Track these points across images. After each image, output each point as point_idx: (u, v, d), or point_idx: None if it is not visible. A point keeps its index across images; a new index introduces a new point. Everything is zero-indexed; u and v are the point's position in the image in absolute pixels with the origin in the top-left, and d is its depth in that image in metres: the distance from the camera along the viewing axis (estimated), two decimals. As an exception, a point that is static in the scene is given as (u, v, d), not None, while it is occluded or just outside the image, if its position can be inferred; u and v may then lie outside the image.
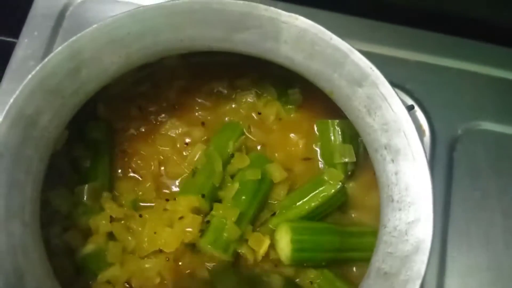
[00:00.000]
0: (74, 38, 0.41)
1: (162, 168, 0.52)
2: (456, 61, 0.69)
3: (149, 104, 0.53)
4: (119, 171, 0.51)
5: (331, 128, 0.52)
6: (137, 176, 0.51)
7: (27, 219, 0.40)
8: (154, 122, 0.53)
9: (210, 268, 0.48)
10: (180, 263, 0.48)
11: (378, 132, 0.43)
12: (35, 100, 0.40)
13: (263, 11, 0.42)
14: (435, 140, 0.66)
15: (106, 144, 0.51)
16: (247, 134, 0.53)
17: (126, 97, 0.52)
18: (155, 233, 0.47)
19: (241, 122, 0.53)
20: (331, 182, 0.50)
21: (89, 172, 0.49)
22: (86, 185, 0.48)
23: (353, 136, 0.52)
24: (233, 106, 0.54)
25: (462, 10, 0.68)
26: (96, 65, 0.42)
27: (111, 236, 0.48)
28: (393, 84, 0.67)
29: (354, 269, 0.49)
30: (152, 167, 0.51)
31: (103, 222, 0.47)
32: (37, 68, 0.40)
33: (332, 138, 0.52)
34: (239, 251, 0.48)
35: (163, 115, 0.53)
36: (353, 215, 0.52)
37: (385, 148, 0.42)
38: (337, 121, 0.52)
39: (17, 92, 0.40)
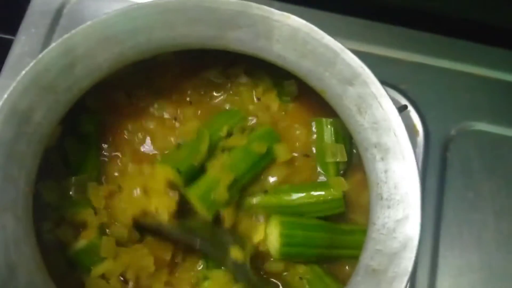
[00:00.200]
0: (67, 35, 0.42)
1: (148, 140, 0.52)
2: (450, 61, 0.69)
3: (139, 91, 0.53)
4: (105, 154, 0.51)
5: (324, 127, 0.52)
6: (118, 154, 0.51)
7: (20, 213, 0.40)
8: (143, 104, 0.53)
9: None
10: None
11: (368, 130, 0.43)
12: (28, 96, 0.41)
13: (256, 9, 0.43)
14: (428, 140, 0.67)
15: (96, 135, 0.51)
16: (250, 117, 0.53)
17: (115, 84, 0.52)
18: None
19: (242, 109, 0.54)
20: (333, 189, 0.50)
21: (79, 165, 0.49)
22: (73, 178, 0.48)
23: (346, 135, 0.52)
24: (230, 93, 0.54)
25: (456, 11, 0.69)
26: (90, 62, 0.43)
27: (103, 230, 0.48)
28: (387, 84, 0.69)
29: (347, 267, 0.50)
30: (136, 140, 0.51)
31: (90, 215, 0.47)
32: (31, 64, 0.41)
33: (325, 136, 0.52)
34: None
35: (153, 99, 0.53)
36: (345, 214, 0.52)
37: (375, 146, 0.43)
38: (331, 120, 0.52)
39: (11, 88, 0.40)
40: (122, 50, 0.43)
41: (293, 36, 0.44)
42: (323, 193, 0.49)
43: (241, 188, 0.50)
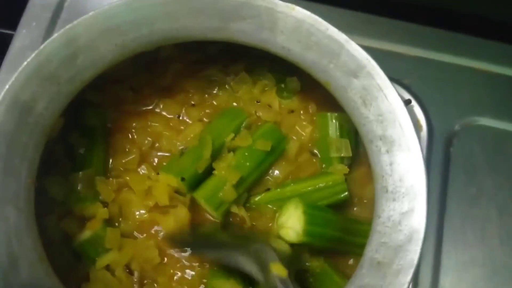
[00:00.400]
0: (70, 25, 0.41)
1: (156, 144, 0.52)
2: (454, 56, 0.69)
3: (143, 87, 0.53)
4: (112, 151, 0.51)
5: (329, 122, 0.52)
6: (127, 150, 0.51)
7: (22, 205, 0.40)
8: (148, 104, 0.53)
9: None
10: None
11: (373, 123, 0.43)
12: (30, 87, 0.40)
13: (260, 0, 0.42)
14: (432, 135, 0.66)
15: (101, 130, 0.51)
16: (256, 114, 0.53)
17: (119, 80, 0.52)
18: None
19: (244, 107, 0.53)
20: (333, 173, 0.50)
21: (84, 159, 0.49)
22: (80, 172, 0.48)
23: (351, 130, 0.51)
24: (233, 91, 0.54)
25: (461, 5, 0.68)
26: (92, 53, 0.42)
27: (108, 221, 0.48)
28: (391, 79, 0.67)
29: (351, 261, 0.49)
30: (146, 142, 0.51)
31: (99, 209, 0.47)
32: (33, 55, 0.40)
33: (330, 131, 0.51)
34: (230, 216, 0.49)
35: (156, 97, 0.53)
36: (351, 209, 0.52)
37: (380, 139, 0.43)
38: (336, 114, 0.51)
39: (13, 78, 0.40)
40: (124, 42, 0.43)
41: (297, 28, 0.43)
42: (325, 179, 0.49)
43: (249, 187, 0.50)
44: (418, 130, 0.67)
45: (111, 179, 0.49)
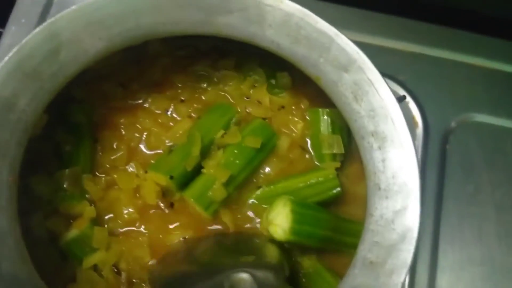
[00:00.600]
0: (52, 19, 0.40)
1: (145, 141, 0.51)
2: (450, 52, 0.68)
3: (131, 82, 0.51)
4: (99, 148, 0.50)
5: (321, 117, 0.51)
6: (115, 147, 0.50)
7: (4, 203, 0.39)
8: (136, 99, 0.52)
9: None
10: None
11: (364, 118, 0.42)
12: (12, 83, 0.39)
13: (248, -7, 0.41)
14: (428, 132, 0.65)
15: (88, 127, 0.49)
16: (246, 110, 0.52)
17: (107, 75, 0.51)
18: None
19: (234, 103, 0.52)
20: (325, 169, 0.49)
21: (71, 157, 0.48)
22: (67, 170, 0.47)
23: (343, 126, 0.50)
24: (222, 87, 0.53)
25: (457, 1, 0.67)
26: (76, 47, 0.41)
27: (95, 220, 0.47)
28: (386, 75, 0.66)
29: (343, 260, 0.48)
30: (134, 138, 0.50)
31: (86, 207, 0.46)
32: (14, 50, 0.39)
33: (322, 127, 0.50)
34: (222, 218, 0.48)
35: (145, 92, 0.52)
36: (345, 206, 0.51)
37: (372, 135, 0.41)
38: (328, 110, 0.50)
39: (-7, 74, 0.39)
40: (109, 36, 0.42)
41: (286, 21, 0.42)
42: (316, 175, 0.48)
43: (239, 185, 0.49)
44: (414, 127, 0.66)
45: (98, 176, 0.48)
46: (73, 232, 0.46)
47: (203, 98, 0.52)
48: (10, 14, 0.64)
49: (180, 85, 0.52)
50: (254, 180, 0.50)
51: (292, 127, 0.52)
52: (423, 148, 0.65)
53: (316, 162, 0.51)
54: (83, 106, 0.49)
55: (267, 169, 0.50)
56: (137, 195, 0.48)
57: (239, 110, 0.52)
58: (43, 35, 0.40)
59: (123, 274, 0.46)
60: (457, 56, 0.68)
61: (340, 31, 0.42)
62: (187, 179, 0.47)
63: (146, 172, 0.48)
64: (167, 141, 0.50)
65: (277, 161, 0.51)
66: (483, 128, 0.66)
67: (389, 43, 0.68)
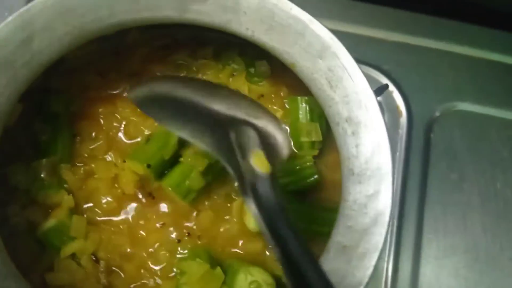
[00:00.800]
0: (25, 7, 0.40)
1: (124, 130, 0.51)
2: (434, 41, 0.68)
3: (110, 72, 0.51)
4: (78, 138, 0.50)
5: (300, 105, 0.50)
6: (93, 137, 0.50)
7: (-23, 193, 0.39)
8: (115, 88, 0.52)
9: None
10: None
11: (339, 104, 0.42)
12: (-16, 72, 0.39)
13: (221, -20, 0.41)
14: (412, 121, 0.66)
15: (66, 116, 0.49)
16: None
17: (85, 65, 0.51)
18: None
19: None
20: (302, 157, 0.49)
21: (48, 147, 0.48)
22: (44, 159, 0.47)
23: (322, 114, 0.50)
24: (199, 76, 0.53)
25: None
26: (49, 35, 0.41)
27: (74, 209, 0.47)
28: (370, 65, 0.67)
29: (317, 246, 0.48)
30: (113, 128, 0.50)
31: (64, 196, 0.46)
32: (-14, 39, 0.39)
33: (300, 115, 0.50)
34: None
35: (123, 82, 0.52)
36: (322, 195, 0.51)
37: (346, 121, 0.42)
38: (306, 98, 0.50)
39: (-34, 63, 0.39)
40: (83, 24, 0.42)
41: (260, 8, 0.42)
42: (293, 163, 0.48)
43: (218, 174, 0.48)
44: (398, 116, 0.66)
45: (77, 166, 0.48)
46: (51, 222, 0.46)
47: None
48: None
49: (159, 74, 0.52)
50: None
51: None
52: (407, 137, 0.65)
53: (295, 150, 0.51)
54: (62, 96, 0.49)
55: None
56: (116, 185, 0.48)
57: None
58: (16, 24, 0.40)
59: (102, 263, 0.46)
60: (440, 45, 0.68)
61: (323, 20, 0.42)
62: (165, 168, 0.47)
63: (124, 161, 0.48)
64: (146, 131, 0.50)
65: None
66: (467, 116, 0.66)
67: (373, 33, 0.68)
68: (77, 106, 0.50)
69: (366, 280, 0.37)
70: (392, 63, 0.67)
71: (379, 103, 0.64)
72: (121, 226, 0.47)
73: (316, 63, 0.42)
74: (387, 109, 0.65)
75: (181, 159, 0.47)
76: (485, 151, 0.65)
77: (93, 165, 0.48)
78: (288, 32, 0.42)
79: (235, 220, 0.47)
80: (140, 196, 0.48)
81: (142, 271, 0.47)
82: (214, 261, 0.46)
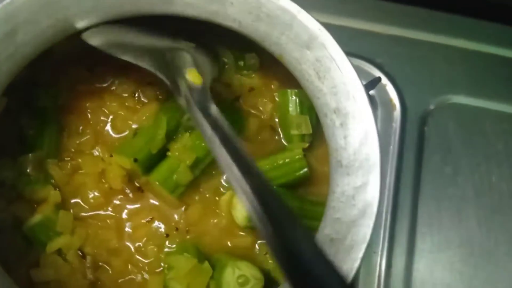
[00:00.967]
0: (8, 0, 0.40)
1: (109, 123, 0.50)
2: (427, 34, 0.68)
3: (98, 66, 0.51)
4: (65, 132, 0.49)
5: (290, 98, 0.50)
6: (80, 131, 0.50)
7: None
8: (102, 82, 0.51)
9: None
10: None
11: (327, 96, 0.41)
12: (-33, 64, 0.39)
13: (206, -30, 0.41)
14: (406, 114, 0.65)
15: (53, 110, 0.49)
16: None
17: (73, 58, 0.50)
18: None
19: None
20: (292, 150, 0.48)
21: (35, 141, 0.48)
22: (30, 154, 0.46)
23: (312, 106, 0.50)
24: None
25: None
26: (33, 28, 0.41)
27: (60, 204, 0.47)
28: (363, 58, 0.67)
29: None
30: (100, 122, 0.50)
31: (51, 191, 0.46)
32: (-31, 31, 0.39)
33: (290, 108, 0.50)
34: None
35: (111, 75, 0.51)
36: (313, 188, 0.50)
37: (334, 112, 0.41)
38: (296, 90, 0.50)
39: (-51, 56, 0.38)
40: (66, 16, 0.41)
41: (247, -2, 0.42)
42: (283, 156, 0.48)
43: (206, 168, 0.48)
44: (392, 110, 0.66)
45: (64, 161, 0.48)
46: (37, 217, 0.45)
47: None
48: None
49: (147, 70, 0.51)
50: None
51: (261, 108, 0.52)
52: (401, 130, 0.64)
53: (284, 143, 0.50)
54: (49, 90, 0.49)
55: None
56: (103, 179, 0.47)
57: None
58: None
59: (89, 258, 0.45)
60: (434, 37, 0.67)
61: (317, 14, 0.42)
62: (152, 162, 0.47)
63: (111, 156, 0.47)
64: (133, 125, 0.49)
65: (247, 143, 0.50)
66: (461, 109, 0.65)
67: (366, 26, 0.68)
68: (64, 100, 0.50)
69: (353, 272, 0.37)
70: (385, 56, 0.67)
71: (372, 97, 0.65)
72: (108, 221, 0.47)
73: (304, 54, 0.42)
74: (381, 103, 0.65)
75: (169, 153, 0.47)
76: (480, 144, 0.64)
77: (80, 160, 0.48)
78: (276, 23, 0.42)
79: (223, 214, 0.47)
80: (128, 190, 0.48)
81: (129, 266, 0.46)
82: (202, 256, 0.45)
